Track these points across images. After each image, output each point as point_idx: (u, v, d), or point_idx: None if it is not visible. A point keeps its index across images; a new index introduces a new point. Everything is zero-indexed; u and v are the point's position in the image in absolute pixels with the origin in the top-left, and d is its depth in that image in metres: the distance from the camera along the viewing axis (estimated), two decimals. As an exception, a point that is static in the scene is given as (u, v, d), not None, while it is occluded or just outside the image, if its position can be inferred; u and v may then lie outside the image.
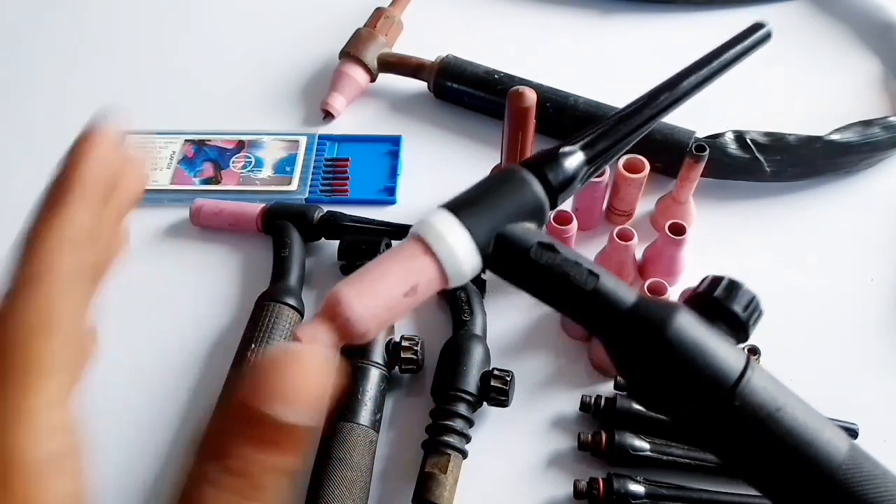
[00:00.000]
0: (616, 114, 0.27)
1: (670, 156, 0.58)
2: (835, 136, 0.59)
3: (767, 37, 0.30)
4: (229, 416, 0.17)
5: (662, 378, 0.22)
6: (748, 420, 0.22)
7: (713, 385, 0.22)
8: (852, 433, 0.47)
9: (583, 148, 0.26)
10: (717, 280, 0.23)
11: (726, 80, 0.75)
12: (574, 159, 0.25)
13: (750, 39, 0.30)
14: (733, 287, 0.23)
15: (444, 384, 0.48)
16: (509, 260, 0.24)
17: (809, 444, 0.22)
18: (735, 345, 0.23)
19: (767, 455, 0.22)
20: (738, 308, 0.22)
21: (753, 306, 0.23)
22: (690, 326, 0.22)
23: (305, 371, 0.17)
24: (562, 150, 0.25)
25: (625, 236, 0.50)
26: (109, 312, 0.57)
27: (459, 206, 0.23)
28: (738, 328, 0.23)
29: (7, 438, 0.18)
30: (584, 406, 0.48)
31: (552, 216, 0.51)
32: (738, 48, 0.30)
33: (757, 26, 0.30)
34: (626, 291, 0.23)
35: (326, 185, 0.62)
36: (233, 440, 0.17)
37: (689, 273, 0.55)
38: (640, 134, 0.26)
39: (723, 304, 0.23)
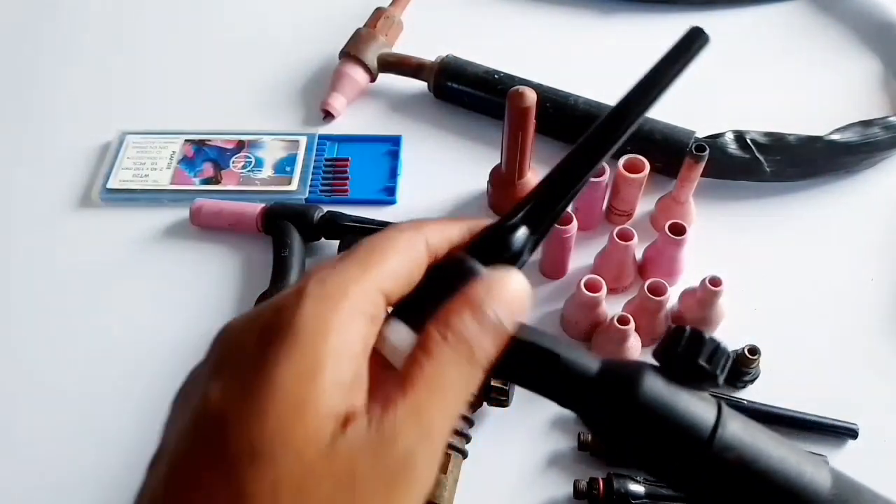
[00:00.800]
0: (554, 173, 0.26)
1: (670, 156, 0.58)
2: (835, 136, 0.59)
3: (706, 43, 0.29)
4: (473, 311, 0.23)
5: (637, 441, 0.23)
6: (728, 470, 0.22)
7: (688, 442, 0.22)
8: (852, 433, 0.47)
9: (526, 222, 0.25)
10: (678, 334, 0.23)
11: (726, 81, 0.76)
12: (519, 235, 0.25)
13: (692, 49, 0.29)
14: (695, 340, 0.23)
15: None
16: None
17: (793, 483, 0.23)
18: (704, 397, 0.23)
19: (753, 501, 0.23)
20: (702, 361, 0.23)
21: (718, 355, 0.23)
22: (657, 388, 0.23)
23: (525, 302, 0.24)
24: (507, 227, 0.25)
25: (625, 236, 0.50)
26: (110, 312, 0.57)
27: (410, 311, 0.23)
28: (706, 378, 0.23)
29: None
30: (584, 406, 0.48)
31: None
32: (682, 62, 0.29)
33: (696, 32, 0.29)
34: (588, 361, 0.24)
35: (326, 185, 0.62)
36: (472, 324, 0.22)
37: (689, 273, 0.55)
38: (582, 187, 0.26)
39: (687, 359, 0.23)
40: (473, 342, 0.22)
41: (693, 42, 0.28)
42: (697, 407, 0.23)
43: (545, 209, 0.26)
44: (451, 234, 0.25)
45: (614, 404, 0.23)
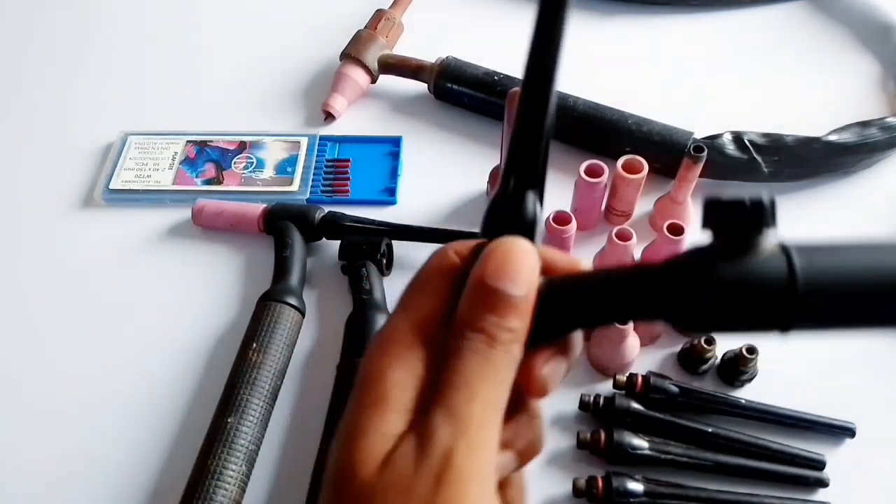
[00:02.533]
0: (518, 125, 0.25)
1: (668, 156, 0.58)
2: (833, 137, 0.59)
3: None
4: (472, 294, 0.23)
5: (725, 318, 0.22)
6: (823, 308, 0.21)
7: (772, 301, 0.21)
8: (850, 432, 0.48)
9: (520, 184, 0.25)
10: (716, 208, 0.22)
11: (724, 82, 0.76)
12: (524, 202, 0.25)
13: None
14: (733, 208, 0.22)
15: (444, 383, 0.48)
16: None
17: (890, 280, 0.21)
18: (766, 251, 0.22)
19: (860, 321, 0.21)
20: (751, 224, 0.22)
21: (763, 208, 0.22)
22: (726, 267, 0.21)
23: (522, 258, 0.23)
24: (508, 200, 0.25)
25: (623, 236, 0.51)
26: (112, 312, 0.58)
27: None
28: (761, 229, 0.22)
29: None
30: (583, 405, 0.48)
31: (552, 216, 0.52)
32: None
33: None
34: (644, 268, 0.23)
35: (327, 186, 0.63)
36: (475, 308, 0.22)
37: (688, 273, 0.55)
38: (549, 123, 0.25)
39: (738, 228, 0.22)
40: (486, 325, 0.22)
41: None
42: (768, 264, 0.21)
43: (529, 158, 0.25)
44: (472, 243, 0.25)
45: (691, 296, 0.21)
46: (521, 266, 0.23)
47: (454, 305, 0.23)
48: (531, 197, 0.25)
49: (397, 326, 0.24)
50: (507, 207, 0.25)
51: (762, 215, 0.22)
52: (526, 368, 0.23)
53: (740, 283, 0.21)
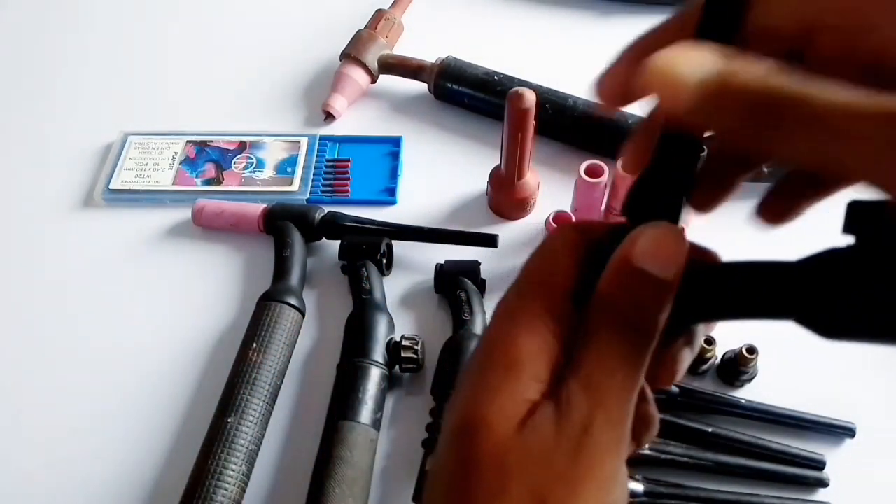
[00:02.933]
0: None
1: (669, 156, 0.58)
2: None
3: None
4: (617, 272, 0.22)
5: (869, 318, 0.20)
6: None
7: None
8: (850, 432, 0.48)
9: (664, 172, 0.24)
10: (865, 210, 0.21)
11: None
12: (667, 184, 0.24)
13: None
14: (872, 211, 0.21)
15: (444, 383, 0.48)
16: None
17: None
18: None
19: None
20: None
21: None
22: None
23: (672, 244, 0.23)
24: (653, 186, 0.24)
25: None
26: (112, 312, 0.58)
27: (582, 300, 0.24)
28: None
29: None
30: (584, 405, 0.48)
31: (551, 216, 0.52)
32: None
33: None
34: (779, 263, 0.22)
35: (327, 186, 0.63)
36: (620, 288, 0.22)
37: (688, 273, 0.55)
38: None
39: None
40: (630, 305, 0.22)
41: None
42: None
43: (686, 147, 0.24)
44: (599, 224, 0.26)
45: (841, 293, 0.21)
46: (671, 250, 0.22)
47: (583, 280, 0.23)
48: (690, 182, 0.24)
49: (526, 296, 0.24)
50: (656, 192, 0.24)
51: None
52: (658, 355, 0.23)
53: (886, 292, 0.20)
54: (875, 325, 0.20)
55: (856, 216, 0.21)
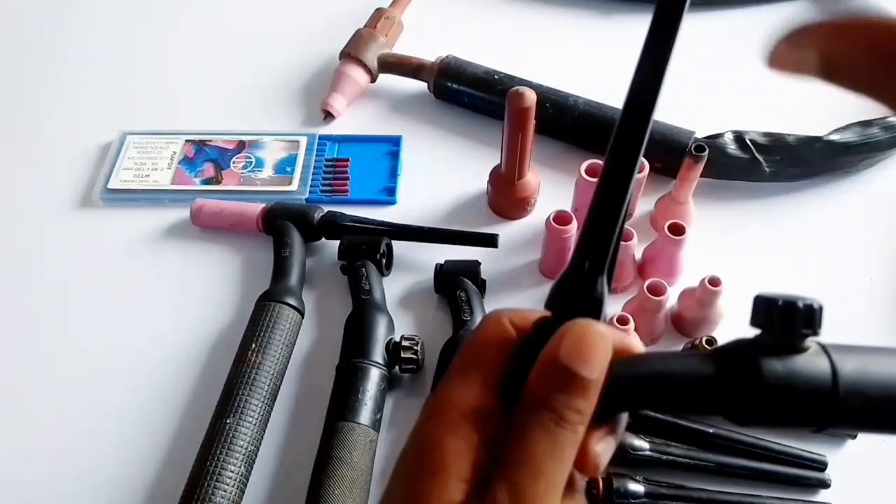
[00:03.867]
0: (596, 203, 0.25)
1: (670, 156, 0.58)
2: (834, 137, 0.59)
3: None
4: (544, 371, 0.23)
5: (771, 417, 0.23)
6: (861, 413, 0.22)
7: (816, 404, 0.22)
8: (851, 433, 0.47)
9: (593, 267, 0.25)
10: (769, 309, 0.23)
11: (725, 81, 0.76)
12: (593, 284, 0.25)
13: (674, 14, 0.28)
14: (788, 313, 0.23)
15: (444, 384, 0.48)
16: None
17: None
18: (811, 354, 0.23)
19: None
20: (803, 329, 0.23)
21: (814, 316, 0.23)
22: (775, 368, 0.23)
23: (598, 342, 0.23)
24: (575, 280, 0.25)
25: (624, 236, 0.50)
26: (111, 313, 0.58)
27: (511, 393, 0.25)
28: (807, 337, 0.23)
29: None
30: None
31: (552, 216, 0.52)
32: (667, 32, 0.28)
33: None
34: (698, 364, 0.24)
35: (327, 186, 0.63)
36: (547, 386, 0.23)
37: (689, 273, 0.55)
38: (628, 203, 0.26)
39: (788, 332, 0.23)
40: (557, 404, 0.23)
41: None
42: (812, 367, 0.23)
43: (603, 244, 0.25)
44: (529, 315, 0.26)
45: (742, 397, 0.23)
46: (597, 349, 0.23)
47: (509, 377, 0.24)
48: (602, 280, 0.25)
49: (452, 395, 0.24)
50: (578, 288, 0.25)
51: (813, 319, 0.23)
52: (581, 447, 0.24)
53: (788, 386, 0.22)
54: (783, 417, 0.23)
55: (763, 310, 0.23)
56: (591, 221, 0.25)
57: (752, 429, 0.23)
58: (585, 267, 0.25)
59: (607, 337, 0.24)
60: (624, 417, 0.26)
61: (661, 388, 0.24)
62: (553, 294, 0.25)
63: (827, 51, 0.22)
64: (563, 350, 0.23)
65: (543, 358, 0.23)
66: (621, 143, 0.26)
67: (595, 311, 0.25)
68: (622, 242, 0.50)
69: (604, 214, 0.25)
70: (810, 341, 0.23)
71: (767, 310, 0.23)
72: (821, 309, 0.23)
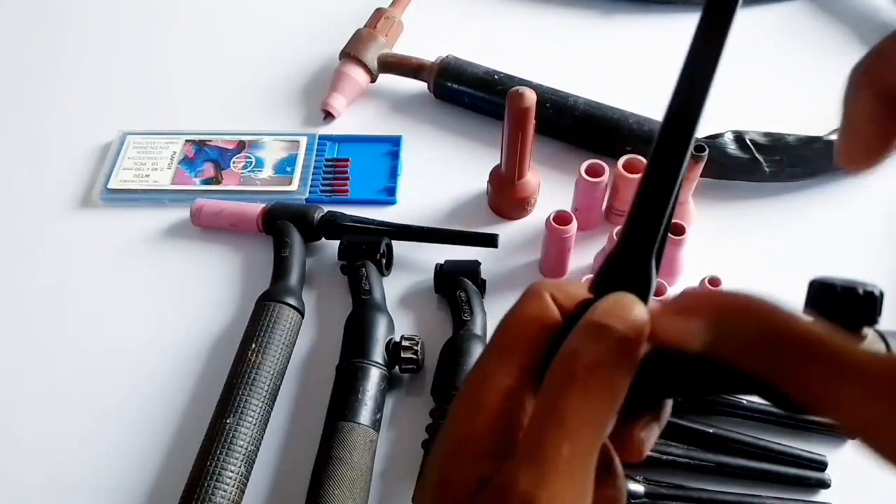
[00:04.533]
0: (647, 181, 0.24)
1: (670, 156, 0.58)
2: (834, 136, 0.59)
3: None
4: (579, 330, 0.22)
5: None
6: None
7: None
8: (851, 433, 0.47)
9: (640, 247, 0.24)
10: (831, 300, 0.21)
11: (725, 81, 0.75)
12: (649, 267, 0.24)
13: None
14: (849, 302, 0.21)
15: (444, 383, 0.48)
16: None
17: None
18: (871, 344, 0.21)
19: None
20: (864, 320, 0.21)
21: (875, 302, 0.21)
22: None
23: (633, 306, 0.22)
24: (624, 260, 0.24)
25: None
26: (111, 313, 0.58)
27: None
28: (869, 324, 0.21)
29: None
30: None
31: (552, 216, 0.52)
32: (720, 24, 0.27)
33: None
34: None
35: (327, 186, 0.63)
36: (580, 340, 0.21)
37: (689, 273, 0.55)
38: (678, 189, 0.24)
39: (849, 321, 0.21)
40: (590, 353, 0.21)
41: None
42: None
43: (654, 224, 0.24)
44: (573, 291, 0.24)
45: None
46: (632, 310, 0.22)
47: (549, 360, 0.22)
48: (651, 262, 0.24)
49: (487, 377, 0.23)
50: (627, 269, 0.24)
51: (875, 307, 0.21)
52: (625, 432, 0.23)
53: None
54: None
55: (822, 297, 0.22)
56: (642, 199, 0.24)
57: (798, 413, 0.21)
58: (634, 249, 0.24)
59: (643, 308, 0.22)
60: (668, 405, 0.24)
61: (703, 372, 0.22)
62: (600, 274, 0.24)
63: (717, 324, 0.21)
64: (597, 311, 0.22)
65: (579, 325, 0.22)
66: (676, 118, 0.25)
67: (643, 294, 0.24)
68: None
69: (655, 193, 0.24)
70: (867, 329, 0.21)
71: (824, 296, 0.21)
72: (882, 296, 0.21)
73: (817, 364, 0.18)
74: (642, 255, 0.24)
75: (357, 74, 0.68)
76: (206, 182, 0.63)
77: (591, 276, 0.25)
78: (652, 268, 0.24)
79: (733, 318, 0.20)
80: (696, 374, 0.22)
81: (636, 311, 0.22)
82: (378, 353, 0.49)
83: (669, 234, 0.50)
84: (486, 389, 0.22)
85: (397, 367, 0.50)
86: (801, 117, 0.61)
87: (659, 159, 0.24)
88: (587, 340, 0.21)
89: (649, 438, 0.23)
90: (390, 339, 0.50)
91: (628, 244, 0.24)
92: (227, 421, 0.45)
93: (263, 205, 0.59)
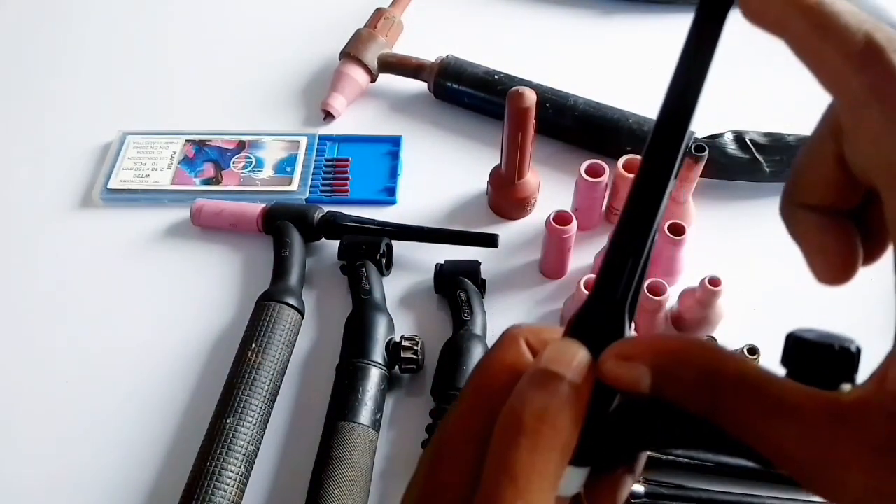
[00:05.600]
0: (622, 227, 0.23)
1: (670, 156, 0.58)
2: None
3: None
4: (522, 380, 0.21)
5: None
6: None
7: None
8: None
9: (615, 296, 0.23)
10: (807, 355, 0.21)
11: (725, 81, 0.75)
12: (622, 319, 0.23)
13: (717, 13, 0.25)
14: (824, 361, 0.21)
15: (444, 384, 0.48)
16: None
17: None
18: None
19: None
20: (840, 380, 0.21)
21: (852, 361, 0.21)
22: None
23: (578, 351, 0.22)
24: (593, 313, 0.23)
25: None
26: (111, 313, 0.58)
27: None
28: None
29: None
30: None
31: (552, 216, 0.52)
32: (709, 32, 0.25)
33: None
34: None
35: (327, 186, 0.63)
36: (524, 388, 0.21)
37: (689, 273, 0.55)
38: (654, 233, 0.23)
39: (826, 380, 0.21)
40: (534, 399, 0.21)
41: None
42: None
43: (629, 274, 0.23)
44: (548, 335, 0.24)
45: None
46: (576, 355, 0.22)
47: None
48: (625, 314, 0.23)
49: (459, 428, 0.23)
50: (599, 321, 0.23)
51: (851, 364, 0.21)
52: (598, 485, 0.23)
53: None
54: None
55: (796, 353, 0.21)
56: (615, 252, 0.23)
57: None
58: (607, 299, 0.23)
59: (587, 354, 0.22)
60: (643, 457, 0.24)
61: (669, 428, 0.22)
62: (572, 325, 0.24)
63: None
64: (542, 358, 0.21)
65: (525, 375, 0.22)
66: (654, 158, 0.24)
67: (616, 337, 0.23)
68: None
69: (629, 245, 0.23)
70: (846, 385, 0.21)
71: (799, 351, 0.21)
72: (859, 352, 0.21)
73: (752, 403, 0.19)
74: (614, 306, 0.23)
75: (357, 74, 0.68)
76: (206, 182, 0.63)
77: (567, 324, 0.24)
78: (625, 316, 0.23)
79: (673, 362, 0.20)
80: (655, 422, 0.22)
81: (580, 356, 0.22)
82: (378, 353, 0.49)
83: (669, 234, 0.50)
84: (456, 439, 0.22)
85: (397, 367, 0.50)
86: (801, 117, 0.61)
87: (631, 210, 0.23)
88: (532, 389, 0.21)
89: (623, 490, 0.23)
90: (390, 339, 0.50)
91: (600, 295, 0.23)
92: (227, 421, 0.45)
93: (263, 205, 0.59)
